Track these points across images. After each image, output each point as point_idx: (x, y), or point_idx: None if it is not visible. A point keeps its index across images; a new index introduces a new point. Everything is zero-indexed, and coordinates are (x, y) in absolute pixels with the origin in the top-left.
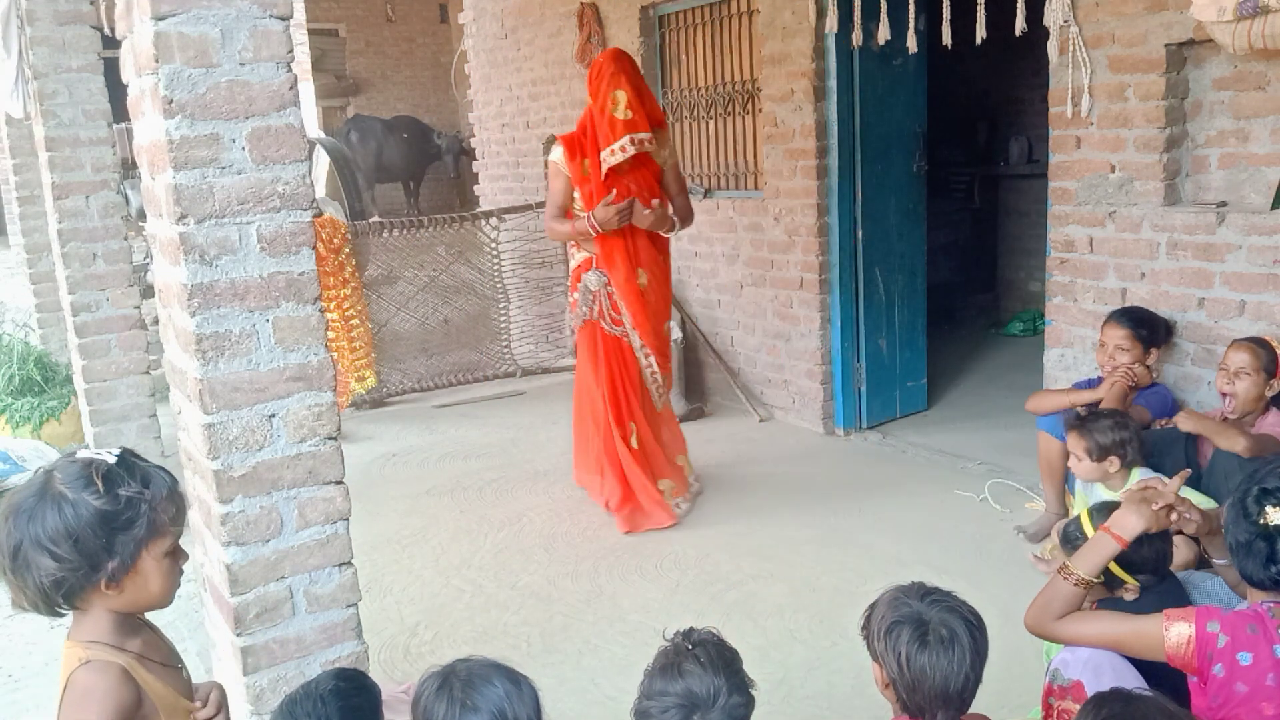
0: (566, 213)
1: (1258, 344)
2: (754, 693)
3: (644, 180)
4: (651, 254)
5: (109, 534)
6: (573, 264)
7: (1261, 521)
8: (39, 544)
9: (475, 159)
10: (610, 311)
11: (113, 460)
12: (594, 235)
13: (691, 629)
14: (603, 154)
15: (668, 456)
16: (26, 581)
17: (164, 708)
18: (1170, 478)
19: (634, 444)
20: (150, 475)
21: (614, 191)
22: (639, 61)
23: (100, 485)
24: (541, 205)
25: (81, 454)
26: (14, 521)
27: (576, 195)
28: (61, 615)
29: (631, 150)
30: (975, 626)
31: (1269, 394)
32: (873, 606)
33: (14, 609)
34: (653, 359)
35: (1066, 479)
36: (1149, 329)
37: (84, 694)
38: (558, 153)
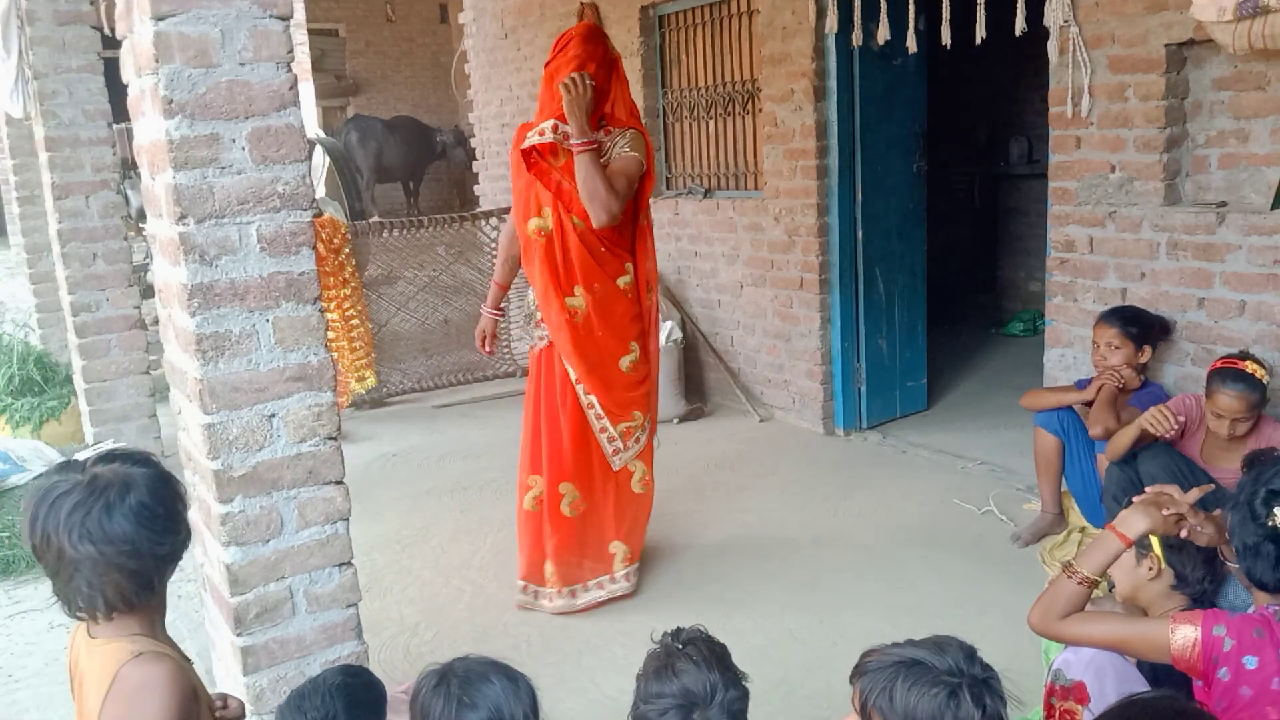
0: (524, 217)
1: (1249, 386)
2: (748, 686)
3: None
4: (591, 270)
5: (180, 507)
6: None
7: (1270, 524)
8: (138, 519)
9: (476, 157)
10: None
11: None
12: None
13: (679, 628)
14: (530, 133)
15: (600, 537)
16: (110, 575)
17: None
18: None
19: (527, 507)
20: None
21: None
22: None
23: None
24: None
25: (95, 448)
26: (109, 514)
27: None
28: (123, 611)
29: (550, 138)
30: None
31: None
32: (864, 673)
33: (70, 615)
34: (596, 402)
35: (1062, 476)
36: (1139, 326)
37: (142, 685)
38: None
